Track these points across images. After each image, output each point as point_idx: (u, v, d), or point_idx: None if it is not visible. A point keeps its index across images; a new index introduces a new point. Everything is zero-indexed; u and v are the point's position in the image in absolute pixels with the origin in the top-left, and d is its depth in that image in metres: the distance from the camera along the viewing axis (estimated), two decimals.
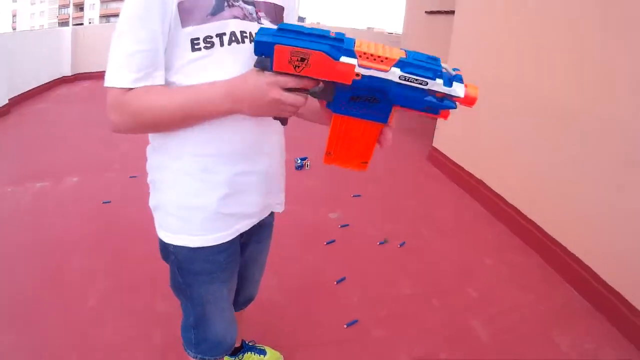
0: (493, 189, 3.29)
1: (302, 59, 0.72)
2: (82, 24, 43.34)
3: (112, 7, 53.53)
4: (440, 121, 4.10)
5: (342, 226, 2.96)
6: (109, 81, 0.83)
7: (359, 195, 3.38)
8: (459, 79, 0.72)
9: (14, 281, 2.16)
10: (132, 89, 0.83)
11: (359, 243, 2.79)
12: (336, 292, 2.30)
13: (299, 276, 2.42)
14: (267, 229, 1.34)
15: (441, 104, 0.73)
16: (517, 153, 3.03)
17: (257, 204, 1.11)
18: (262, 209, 1.15)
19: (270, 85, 0.76)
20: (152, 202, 1.08)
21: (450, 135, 4.00)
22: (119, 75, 0.82)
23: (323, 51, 0.71)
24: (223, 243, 1.05)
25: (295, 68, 0.74)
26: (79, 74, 7.28)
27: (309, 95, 0.80)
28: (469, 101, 0.72)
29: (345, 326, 2.04)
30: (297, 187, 3.59)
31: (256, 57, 0.75)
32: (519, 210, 2.98)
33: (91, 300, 2.05)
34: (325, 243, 2.71)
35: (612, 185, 2.28)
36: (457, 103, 0.73)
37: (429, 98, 0.72)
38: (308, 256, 2.62)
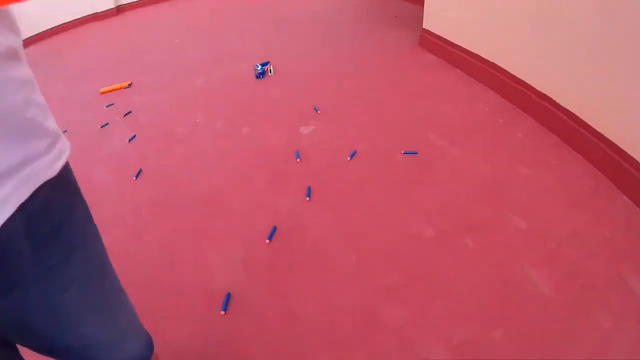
0: (512, 73, 2.51)
1: None
2: None
3: None
4: None
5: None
6: None
7: (309, 112, 2.58)
8: None
9: None
10: None
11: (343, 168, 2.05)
12: (340, 266, 1.60)
13: (278, 245, 1.72)
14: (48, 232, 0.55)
15: None
16: (538, 27, 2.19)
17: None
18: None
19: None
20: None
21: (446, 9, 3.09)
22: None
23: None
24: None
25: None
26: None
27: None
28: None
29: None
30: (261, 101, 2.78)
31: None
32: (552, 99, 2.24)
33: None
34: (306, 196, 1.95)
35: None
36: None
37: None
38: (284, 203, 1.90)
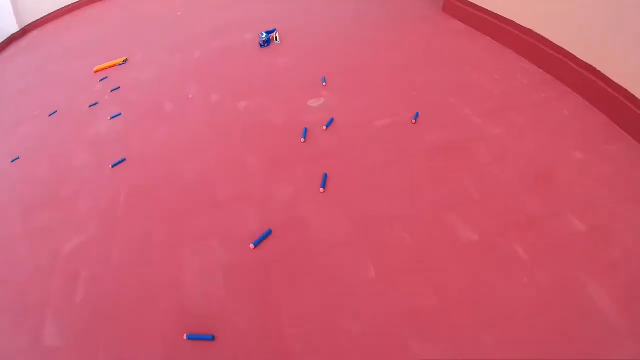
0: (553, 41, 2.16)
1: None
2: None
3: None
4: None
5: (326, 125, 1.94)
6: None
7: (320, 83, 2.27)
8: None
9: None
10: None
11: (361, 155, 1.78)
12: (355, 280, 1.34)
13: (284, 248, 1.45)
14: None
15: None
16: None
17: None
18: None
19: None
20: None
21: None
22: None
23: None
24: None
25: None
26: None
27: None
28: None
29: None
30: (264, 72, 2.50)
31: None
32: (599, 71, 1.90)
33: None
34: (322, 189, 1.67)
35: None
36: None
37: None
38: (281, 194, 1.63)
